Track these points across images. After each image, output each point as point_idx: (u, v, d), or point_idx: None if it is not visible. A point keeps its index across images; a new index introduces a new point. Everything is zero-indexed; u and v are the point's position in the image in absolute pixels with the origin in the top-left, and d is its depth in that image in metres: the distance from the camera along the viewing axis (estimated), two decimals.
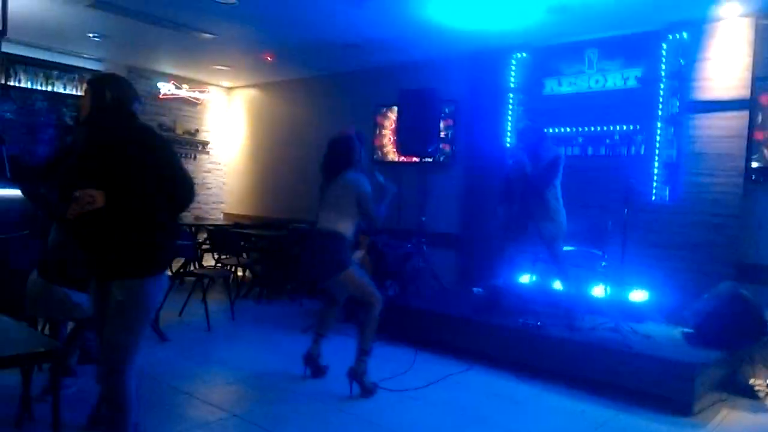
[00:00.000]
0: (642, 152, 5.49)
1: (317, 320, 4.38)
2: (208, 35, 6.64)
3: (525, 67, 6.36)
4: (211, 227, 7.40)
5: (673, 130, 5.32)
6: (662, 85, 5.39)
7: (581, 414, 3.86)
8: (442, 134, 6.83)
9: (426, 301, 5.68)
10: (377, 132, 7.64)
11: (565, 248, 4.91)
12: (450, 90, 6.64)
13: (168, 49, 7.56)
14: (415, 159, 6.72)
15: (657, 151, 5.39)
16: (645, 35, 5.49)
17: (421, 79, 6.73)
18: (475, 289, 6.13)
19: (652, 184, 5.39)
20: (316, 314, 4.58)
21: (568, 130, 5.95)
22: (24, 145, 7.59)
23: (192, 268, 6.79)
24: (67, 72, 8.19)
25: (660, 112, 5.38)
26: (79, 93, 7.99)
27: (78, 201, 2.30)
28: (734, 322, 4.32)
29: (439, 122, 6.39)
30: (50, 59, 7.98)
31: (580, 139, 5.90)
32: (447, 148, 6.97)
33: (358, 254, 5.68)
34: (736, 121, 5.03)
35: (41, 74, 8.03)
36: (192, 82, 9.40)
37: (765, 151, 4.96)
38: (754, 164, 4.99)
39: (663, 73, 5.39)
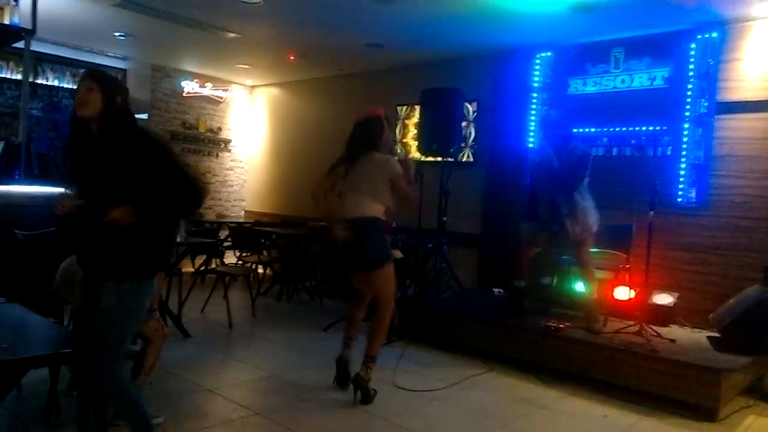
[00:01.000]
0: (668, 153, 5.41)
1: (347, 322, 4.19)
2: (232, 34, 6.67)
3: (549, 66, 6.30)
4: (232, 224, 7.46)
5: (701, 131, 5.23)
6: (690, 86, 5.29)
7: (604, 418, 3.82)
8: (465, 134, 6.80)
9: (446, 301, 5.65)
10: (399, 131, 7.62)
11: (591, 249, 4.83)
12: (473, 89, 6.60)
13: (192, 47, 7.61)
14: (437, 159, 6.68)
15: (684, 152, 5.30)
16: (673, 34, 5.39)
17: (443, 78, 6.69)
18: (496, 290, 6.10)
19: (679, 186, 5.31)
20: (345, 316, 4.38)
21: (593, 130, 5.87)
22: (50, 142, 7.71)
23: (214, 265, 6.86)
24: None
25: (687, 113, 5.29)
26: None
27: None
28: (762, 327, 4.24)
29: (462, 122, 6.35)
30: (76, 57, 8.09)
31: (605, 139, 5.82)
32: (469, 148, 6.93)
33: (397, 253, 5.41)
34: (767, 122, 4.94)
35: (68, 72, 8.17)
36: (215, 81, 9.46)
37: None
38: None
39: (691, 74, 5.29)
